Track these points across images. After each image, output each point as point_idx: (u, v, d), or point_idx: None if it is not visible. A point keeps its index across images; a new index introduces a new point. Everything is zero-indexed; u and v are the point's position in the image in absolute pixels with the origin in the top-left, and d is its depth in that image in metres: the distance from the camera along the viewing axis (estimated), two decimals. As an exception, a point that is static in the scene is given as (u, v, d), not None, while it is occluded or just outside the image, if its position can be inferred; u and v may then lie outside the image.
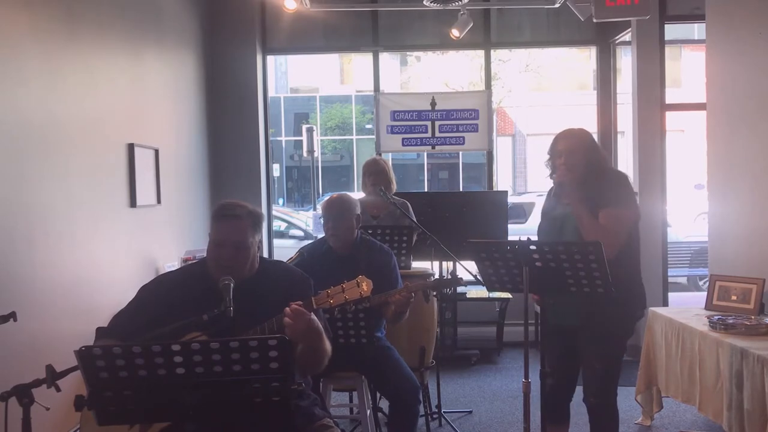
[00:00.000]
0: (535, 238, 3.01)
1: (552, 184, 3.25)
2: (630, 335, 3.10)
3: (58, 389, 1.94)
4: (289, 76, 21.90)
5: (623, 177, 3.14)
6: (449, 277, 3.27)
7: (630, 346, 5.76)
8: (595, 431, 3.15)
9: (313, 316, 2.24)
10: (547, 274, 2.76)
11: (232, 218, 2.37)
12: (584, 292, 2.74)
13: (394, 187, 4.62)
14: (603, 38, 6.62)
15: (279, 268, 2.61)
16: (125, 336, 2.25)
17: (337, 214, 3.35)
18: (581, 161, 3.02)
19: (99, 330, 2.39)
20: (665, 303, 5.89)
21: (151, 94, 5.05)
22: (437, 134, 6.57)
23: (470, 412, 4.67)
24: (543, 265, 2.75)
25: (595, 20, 5.08)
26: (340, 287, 2.28)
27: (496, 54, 16.54)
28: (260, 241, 2.46)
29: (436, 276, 4.26)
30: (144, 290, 2.49)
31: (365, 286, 2.26)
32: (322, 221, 3.46)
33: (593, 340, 3.02)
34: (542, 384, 2.90)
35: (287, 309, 2.21)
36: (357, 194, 4.23)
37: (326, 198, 3.55)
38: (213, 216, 2.43)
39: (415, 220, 4.42)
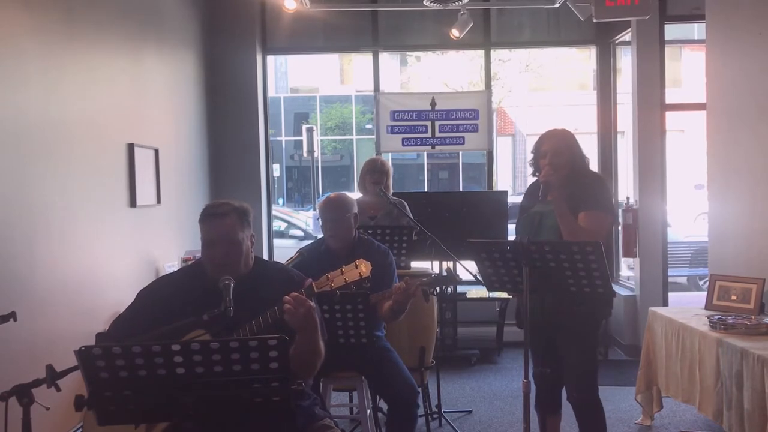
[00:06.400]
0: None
1: (531, 183, 3.38)
2: (599, 331, 3.26)
3: (58, 389, 1.94)
4: (289, 76, 21.88)
5: (602, 180, 3.32)
6: (446, 274, 3.27)
7: (630, 346, 5.85)
8: (583, 428, 3.21)
9: (314, 304, 2.25)
10: (547, 274, 2.78)
11: (218, 216, 2.37)
12: (584, 292, 2.78)
13: (391, 189, 4.62)
14: (603, 38, 6.61)
15: (275, 266, 2.63)
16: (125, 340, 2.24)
17: (335, 215, 3.33)
18: (565, 162, 3.14)
19: (99, 336, 2.39)
20: (665, 303, 5.88)
21: (151, 94, 5.05)
22: (437, 134, 6.57)
23: (470, 412, 4.67)
24: (543, 265, 2.77)
25: (595, 20, 5.07)
26: (339, 271, 2.30)
27: (496, 54, 16.53)
28: (253, 236, 2.46)
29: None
30: (142, 294, 2.49)
31: (364, 267, 2.28)
32: (320, 222, 3.45)
33: (567, 335, 3.13)
34: (534, 376, 3.10)
35: (287, 297, 2.22)
36: (354, 194, 4.21)
37: (323, 198, 3.53)
38: (200, 219, 2.42)
39: (412, 218, 4.41)
